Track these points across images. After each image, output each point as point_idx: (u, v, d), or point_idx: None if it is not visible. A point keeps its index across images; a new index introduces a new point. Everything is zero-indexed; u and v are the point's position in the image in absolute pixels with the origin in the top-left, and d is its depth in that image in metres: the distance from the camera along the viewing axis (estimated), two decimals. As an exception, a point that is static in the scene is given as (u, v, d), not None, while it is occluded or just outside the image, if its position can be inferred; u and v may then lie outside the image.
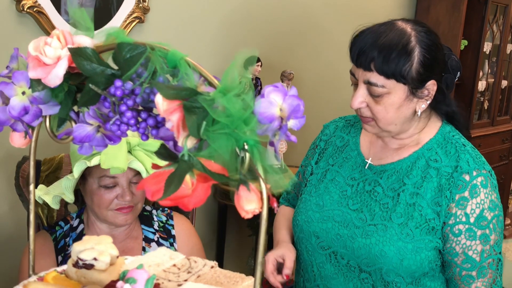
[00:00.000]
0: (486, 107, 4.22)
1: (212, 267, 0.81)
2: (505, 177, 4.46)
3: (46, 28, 1.93)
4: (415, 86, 1.20)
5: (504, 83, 4.42)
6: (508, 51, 4.33)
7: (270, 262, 1.32)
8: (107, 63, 0.67)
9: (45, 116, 0.73)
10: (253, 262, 2.77)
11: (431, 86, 1.22)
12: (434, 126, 1.32)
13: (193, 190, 0.58)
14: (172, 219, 1.55)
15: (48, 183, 1.52)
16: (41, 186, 1.44)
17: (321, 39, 3.17)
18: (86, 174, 1.39)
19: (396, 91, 1.19)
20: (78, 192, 1.45)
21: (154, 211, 1.55)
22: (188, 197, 0.58)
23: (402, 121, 1.24)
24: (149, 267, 0.80)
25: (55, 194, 1.39)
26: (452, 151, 1.27)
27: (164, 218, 1.55)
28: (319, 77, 3.21)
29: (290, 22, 2.96)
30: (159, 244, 1.51)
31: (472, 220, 1.21)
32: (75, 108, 0.72)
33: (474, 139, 3.70)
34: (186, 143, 0.58)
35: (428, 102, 1.24)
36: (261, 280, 0.61)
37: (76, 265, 0.76)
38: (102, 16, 2.12)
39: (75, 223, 1.48)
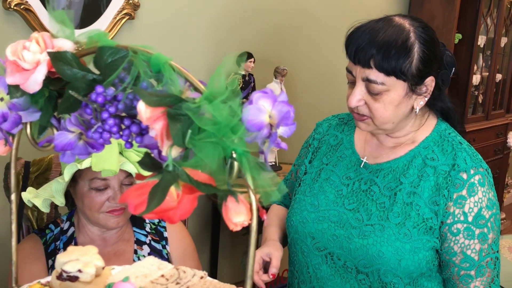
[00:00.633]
0: (480, 101, 4.21)
1: (201, 277, 0.79)
2: (500, 171, 4.46)
3: (34, 25, 1.90)
4: (414, 82, 1.18)
5: (499, 76, 4.41)
6: (502, 45, 4.32)
7: (256, 261, 1.30)
8: (88, 68, 0.63)
9: (26, 123, 0.70)
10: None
11: (430, 82, 1.21)
12: (429, 124, 1.31)
13: (178, 202, 0.55)
14: (164, 221, 1.53)
15: (37, 184, 1.49)
16: (30, 189, 1.42)
17: (316, 34, 3.14)
18: (76, 176, 1.37)
19: (396, 88, 1.17)
20: (69, 193, 1.43)
21: (146, 213, 1.53)
22: (174, 210, 0.55)
23: (400, 118, 1.23)
24: (136, 278, 0.78)
25: (45, 197, 1.37)
26: (449, 149, 1.26)
27: (156, 220, 1.53)
28: (313, 73, 3.18)
29: (284, 17, 2.93)
30: (151, 247, 1.48)
31: (470, 219, 1.20)
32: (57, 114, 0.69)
33: (469, 133, 3.69)
34: (171, 152, 0.55)
35: (427, 98, 1.23)
36: (251, 294, 0.58)
37: (60, 277, 0.73)
38: (91, 13, 2.08)
39: (65, 226, 1.46)
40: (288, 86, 2.80)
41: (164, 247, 1.50)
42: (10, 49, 0.66)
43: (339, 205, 1.31)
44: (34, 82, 0.64)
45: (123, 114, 0.63)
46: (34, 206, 1.41)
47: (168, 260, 1.50)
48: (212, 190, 0.56)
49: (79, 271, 0.73)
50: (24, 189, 1.42)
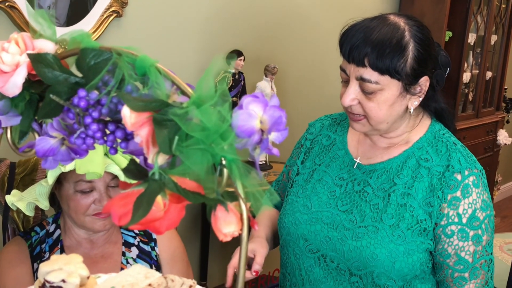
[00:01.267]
0: (470, 99, 4.21)
1: (190, 286, 0.76)
2: (490, 169, 4.47)
3: (20, 23, 1.86)
4: (409, 82, 1.17)
5: (489, 74, 4.41)
6: (492, 42, 4.32)
7: (237, 257, 1.27)
8: (70, 71, 0.60)
9: (6, 128, 0.66)
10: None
11: (424, 82, 1.20)
12: (424, 124, 1.30)
13: (165, 212, 0.53)
14: (150, 231, 1.50)
15: (23, 186, 1.46)
16: (14, 191, 1.38)
17: (306, 32, 3.12)
18: (61, 178, 1.34)
19: (390, 87, 1.16)
20: (54, 195, 1.40)
21: (134, 215, 1.50)
22: (160, 220, 0.52)
23: (394, 118, 1.21)
24: (123, 287, 0.75)
25: (29, 200, 1.33)
26: (443, 150, 1.25)
27: (144, 222, 1.50)
28: (304, 72, 3.16)
29: (275, 15, 2.90)
30: (139, 249, 1.46)
31: (464, 220, 1.19)
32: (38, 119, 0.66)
33: (459, 131, 3.69)
34: (157, 159, 0.53)
35: (421, 98, 1.22)
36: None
37: (43, 287, 0.70)
38: (78, 10, 2.05)
39: (51, 228, 1.43)
40: (278, 84, 2.78)
41: (153, 248, 1.48)
42: (-12, 50, 0.63)
43: (332, 207, 1.29)
44: (14, 85, 0.61)
45: (107, 119, 0.60)
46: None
47: (157, 262, 1.47)
48: (201, 199, 0.53)
49: (63, 281, 0.70)
50: (9, 191, 1.38)
